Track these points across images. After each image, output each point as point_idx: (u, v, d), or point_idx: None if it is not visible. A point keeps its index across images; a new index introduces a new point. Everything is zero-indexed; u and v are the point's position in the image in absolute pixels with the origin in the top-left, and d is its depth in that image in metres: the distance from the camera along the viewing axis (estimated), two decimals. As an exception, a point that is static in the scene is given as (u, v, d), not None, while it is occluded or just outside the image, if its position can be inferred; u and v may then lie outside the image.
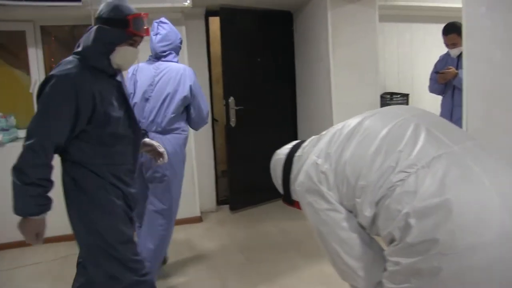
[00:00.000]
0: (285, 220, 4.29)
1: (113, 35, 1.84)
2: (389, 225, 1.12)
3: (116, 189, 1.92)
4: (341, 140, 1.30)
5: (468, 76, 2.48)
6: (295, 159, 1.49)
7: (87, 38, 1.86)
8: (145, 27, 1.94)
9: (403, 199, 1.08)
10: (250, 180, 4.60)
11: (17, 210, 1.75)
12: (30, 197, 1.73)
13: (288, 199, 1.55)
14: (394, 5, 4.76)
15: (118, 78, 1.98)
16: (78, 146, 1.86)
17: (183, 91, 2.85)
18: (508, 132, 2.24)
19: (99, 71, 1.86)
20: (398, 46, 5.21)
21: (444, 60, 4.02)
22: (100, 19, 1.88)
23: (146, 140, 2.39)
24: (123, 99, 1.98)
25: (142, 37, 1.94)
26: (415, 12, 5.25)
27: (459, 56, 3.82)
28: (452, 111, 3.84)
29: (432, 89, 4.09)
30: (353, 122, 1.36)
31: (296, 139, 1.77)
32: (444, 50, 4.13)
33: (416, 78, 5.45)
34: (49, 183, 1.79)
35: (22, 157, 1.73)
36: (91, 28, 1.88)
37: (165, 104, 2.83)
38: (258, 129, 4.74)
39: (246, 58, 4.67)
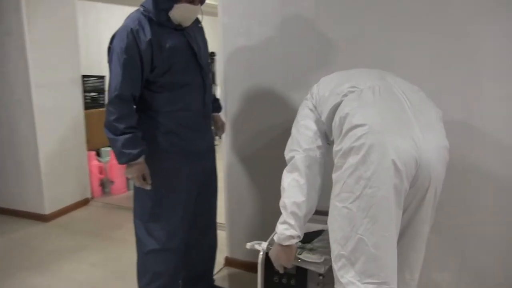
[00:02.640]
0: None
1: None
2: (336, 116, 1.48)
3: (174, 136, 2.01)
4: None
5: (225, 49, 2.61)
6: None
7: None
8: None
9: (348, 103, 1.45)
10: None
11: (119, 159, 1.93)
12: (126, 144, 1.88)
13: None
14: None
15: (188, 31, 2.01)
16: (146, 98, 1.98)
17: None
18: (264, 100, 2.52)
19: (161, 24, 1.91)
20: (97, 27, 4.91)
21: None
22: None
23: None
24: (190, 50, 2.00)
25: None
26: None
27: None
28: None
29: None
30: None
31: None
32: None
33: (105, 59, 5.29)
34: (136, 129, 1.92)
35: (107, 113, 1.89)
36: None
37: None
38: None
39: None
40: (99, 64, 5.13)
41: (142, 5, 1.93)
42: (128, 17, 1.93)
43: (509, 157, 2.00)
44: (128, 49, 1.84)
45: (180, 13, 1.91)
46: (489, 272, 2.13)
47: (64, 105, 3.77)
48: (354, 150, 1.35)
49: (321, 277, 1.70)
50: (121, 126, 1.88)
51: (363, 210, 1.34)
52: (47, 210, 3.67)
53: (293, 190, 1.58)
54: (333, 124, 1.52)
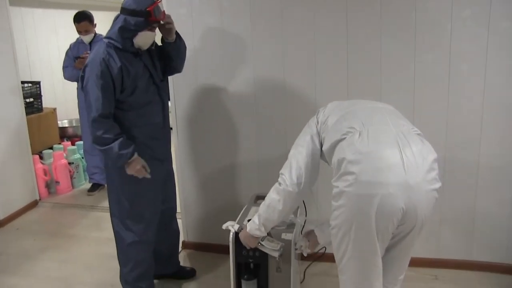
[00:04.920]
0: None
1: (136, 24, 2.19)
2: (338, 155, 1.66)
3: (144, 146, 2.38)
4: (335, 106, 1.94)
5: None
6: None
7: (114, 25, 2.24)
8: (162, 12, 2.25)
9: (346, 146, 1.64)
10: None
11: (118, 163, 2.27)
12: (121, 147, 2.22)
13: None
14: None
15: (145, 56, 2.35)
16: (119, 117, 2.31)
17: None
18: (212, 117, 2.96)
19: (124, 51, 2.25)
20: (24, 32, 4.88)
21: (76, 47, 4.21)
22: (125, 10, 2.20)
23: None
24: (147, 71, 2.36)
25: (159, 21, 2.27)
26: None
27: (91, 42, 4.16)
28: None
29: (69, 76, 4.20)
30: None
31: None
32: (71, 38, 4.33)
33: (45, 65, 5.32)
34: (123, 134, 2.26)
35: (93, 130, 2.20)
36: (118, 16, 2.24)
37: None
38: None
39: None
40: (40, 69, 5.19)
41: (106, 37, 2.27)
42: (96, 49, 2.28)
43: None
44: (103, 75, 2.17)
45: (142, 40, 2.25)
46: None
47: (6, 113, 3.90)
48: (345, 193, 1.58)
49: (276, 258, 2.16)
50: (110, 136, 2.21)
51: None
52: (1, 215, 3.81)
53: (272, 212, 1.93)
54: (331, 155, 1.73)
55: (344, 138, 1.67)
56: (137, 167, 2.29)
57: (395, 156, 1.54)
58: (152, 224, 2.53)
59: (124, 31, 2.21)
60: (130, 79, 2.25)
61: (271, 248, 2.09)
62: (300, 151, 1.89)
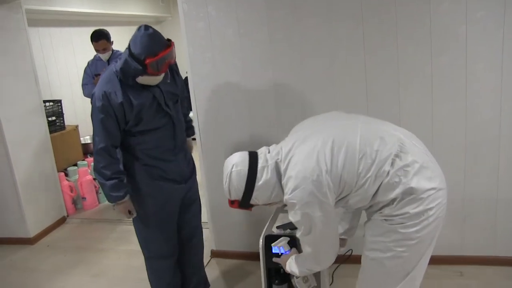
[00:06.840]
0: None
1: (135, 69, 2.12)
2: (389, 194, 1.61)
3: (151, 167, 2.37)
4: (330, 157, 1.61)
5: (194, 77, 3.03)
6: (260, 169, 1.76)
7: (120, 62, 2.18)
8: (165, 62, 2.14)
9: (398, 174, 1.59)
10: None
11: (109, 199, 2.33)
12: (113, 188, 2.27)
13: (246, 205, 1.84)
14: (39, 10, 4.64)
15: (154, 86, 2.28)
16: (124, 138, 2.33)
17: None
18: (234, 126, 3.04)
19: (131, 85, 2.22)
20: (42, 51, 5.01)
21: (94, 65, 4.33)
22: (129, 49, 2.14)
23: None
24: (156, 103, 2.29)
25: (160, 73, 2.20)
26: (55, 16, 5.20)
27: (109, 59, 4.27)
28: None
29: (89, 93, 4.28)
30: (322, 137, 1.66)
31: None
32: (88, 55, 4.45)
33: (65, 83, 5.45)
34: (122, 174, 2.32)
35: (95, 162, 2.28)
36: (124, 52, 2.17)
37: None
38: None
39: None
40: (59, 87, 5.33)
41: (115, 69, 2.22)
42: (103, 76, 2.26)
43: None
44: (103, 109, 2.17)
45: (145, 81, 2.20)
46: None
47: (30, 133, 4.02)
48: (419, 214, 1.59)
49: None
50: (108, 172, 2.25)
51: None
52: (31, 233, 3.92)
53: (309, 273, 1.97)
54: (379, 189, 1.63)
55: (388, 175, 1.62)
56: (122, 211, 2.38)
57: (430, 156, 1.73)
58: (171, 241, 2.57)
59: (125, 72, 2.17)
60: (133, 113, 2.22)
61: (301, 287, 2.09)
62: (330, 235, 1.73)
